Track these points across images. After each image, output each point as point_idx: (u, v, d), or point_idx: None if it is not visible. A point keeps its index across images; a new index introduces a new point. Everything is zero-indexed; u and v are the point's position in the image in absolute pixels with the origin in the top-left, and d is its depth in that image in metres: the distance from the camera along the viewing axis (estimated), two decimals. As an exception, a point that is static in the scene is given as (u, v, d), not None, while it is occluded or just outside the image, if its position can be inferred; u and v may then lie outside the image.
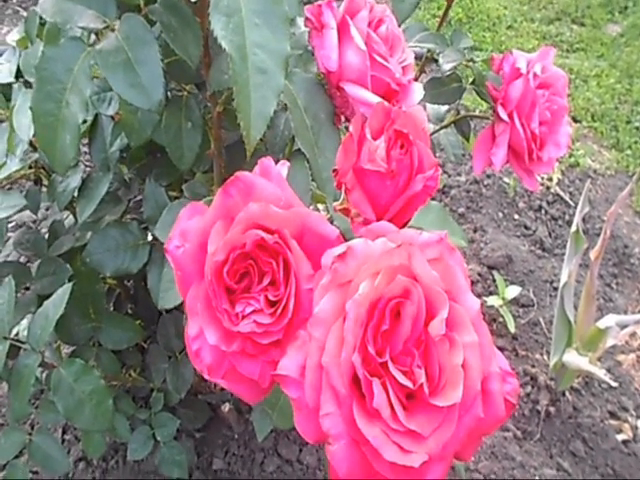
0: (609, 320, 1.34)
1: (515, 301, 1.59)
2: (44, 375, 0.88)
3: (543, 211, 1.86)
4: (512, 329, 1.50)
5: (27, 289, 0.90)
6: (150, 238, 0.82)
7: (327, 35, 0.60)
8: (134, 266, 0.81)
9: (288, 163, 0.46)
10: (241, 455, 1.20)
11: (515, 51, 0.81)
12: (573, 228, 1.37)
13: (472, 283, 1.59)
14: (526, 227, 1.82)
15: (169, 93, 0.70)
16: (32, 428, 0.95)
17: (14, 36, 0.86)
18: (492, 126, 0.82)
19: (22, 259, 1.01)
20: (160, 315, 0.97)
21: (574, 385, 1.42)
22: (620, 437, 1.34)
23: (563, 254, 1.51)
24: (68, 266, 0.86)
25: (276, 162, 0.46)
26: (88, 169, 0.87)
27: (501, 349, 1.45)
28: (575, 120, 2.22)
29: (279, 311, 0.41)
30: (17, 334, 0.86)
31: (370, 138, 0.48)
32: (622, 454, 1.31)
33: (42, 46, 0.65)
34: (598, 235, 1.60)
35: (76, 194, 0.82)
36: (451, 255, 0.40)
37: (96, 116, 0.81)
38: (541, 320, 1.57)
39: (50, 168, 0.86)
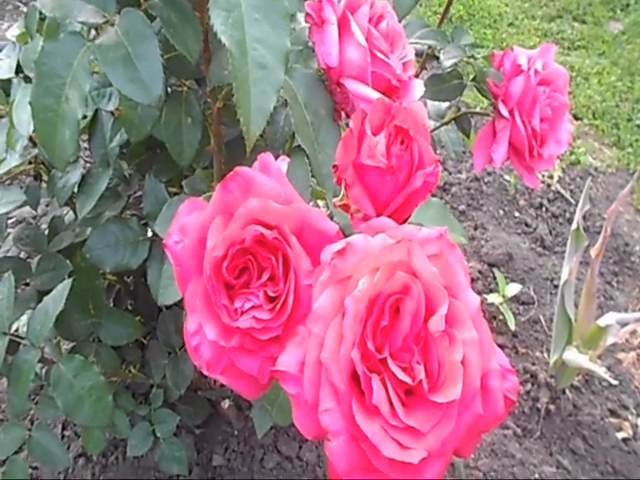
0: (609, 318, 1.34)
1: (515, 299, 1.59)
2: (44, 371, 0.88)
3: (544, 209, 1.86)
4: (512, 327, 1.50)
5: (27, 285, 0.90)
6: (150, 234, 0.82)
7: (327, 31, 0.59)
8: (134, 262, 0.81)
9: (288, 159, 0.46)
10: (241, 451, 1.20)
11: (516, 48, 0.81)
12: (574, 226, 1.36)
13: (472, 280, 1.59)
14: (527, 225, 1.82)
15: (169, 89, 0.70)
16: (32, 424, 0.95)
17: (14, 31, 0.85)
18: (493, 123, 0.81)
19: (22, 255, 1.01)
20: (160, 311, 0.97)
21: (574, 383, 1.42)
22: (620, 435, 1.34)
23: (564, 252, 1.51)
24: (68, 262, 0.86)
25: (276, 158, 0.46)
26: (88, 165, 0.87)
27: (501, 347, 1.45)
28: (576, 118, 2.22)
29: (278, 307, 0.41)
30: (17, 330, 0.86)
31: (370, 134, 0.47)
32: (622, 452, 1.31)
33: (42, 41, 0.65)
34: (599, 233, 1.60)
35: (76, 190, 0.82)
36: (451, 251, 0.40)
37: (96, 112, 0.81)
38: (541, 318, 1.57)
39: (50, 163, 0.86)
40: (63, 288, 0.73)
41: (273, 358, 0.39)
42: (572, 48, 2.59)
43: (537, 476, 1.25)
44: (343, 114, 0.65)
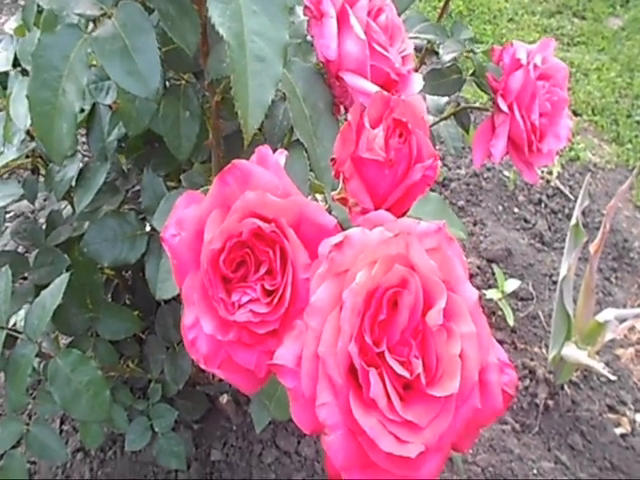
0: (608, 314, 1.34)
1: (514, 294, 1.59)
2: (42, 365, 0.88)
3: (543, 205, 1.86)
4: (511, 322, 1.50)
5: (24, 279, 0.90)
6: (148, 228, 0.82)
7: (326, 24, 0.59)
8: (132, 256, 0.81)
9: (286, 152, 0.46)
10: (239, 446, 1.20)
11: (515, 42, 0.81)
12: (573, 222, 1.36)
13: (471, 276, 1.59)
14: (526, 220, 1.81)
15: (167, 82, 0.70)
16: (30, 418, 0.95)
17: (12, 24, 0.85)
18: (492, 117, 0.81)
19: (20, 249, 1.00)
20: (158, 306, 0.97)
21: (573, 379, 1.42)
22: (618, 431, 1.34)
23: (562, 248, 1.51)
24: (66, 256, 0.86)
25: (274, 151, 0.45)
26: (86, 159, 0.86)
27: (500, 342, 1.44)
28: (575, 114, 2.21)
29: (275, 300, 0.41)
30: (15, 324, 0.86)
31: (369, 127, 0.47)
32: (620, 448, 1.31)
33: (39, 33, 0.64)
34: (598, 229, 1.59)
35: (74, 184, 0.82)
36: (449, 245, 0.40)
37: (94, 105, 0.80)
38: (540, 314, 1.57)
39: (47, 157, 0.86)
40: (61, 282, 0.73)
41: (270, 352, 0.39)
42: (572, 44, 2.59)
43: (535, 471, 1.25)
44: (342, 108, 0.65)
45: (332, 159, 0.49)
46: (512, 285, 1.55)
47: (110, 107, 0.79)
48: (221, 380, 1.08)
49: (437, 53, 0.87)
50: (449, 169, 1.93)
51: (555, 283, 1.59)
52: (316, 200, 0.59)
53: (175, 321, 0.95)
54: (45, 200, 1.20)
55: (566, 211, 1.84)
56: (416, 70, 0.84)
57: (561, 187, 1.91)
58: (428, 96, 0.95)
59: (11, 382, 0.73)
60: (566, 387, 1.40)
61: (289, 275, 0.40)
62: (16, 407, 0.76)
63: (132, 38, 0.53)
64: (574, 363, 1.34)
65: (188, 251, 0.43)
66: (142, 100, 0.67)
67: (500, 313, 1.53)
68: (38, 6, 0.78)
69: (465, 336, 0.37)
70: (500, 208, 1.84)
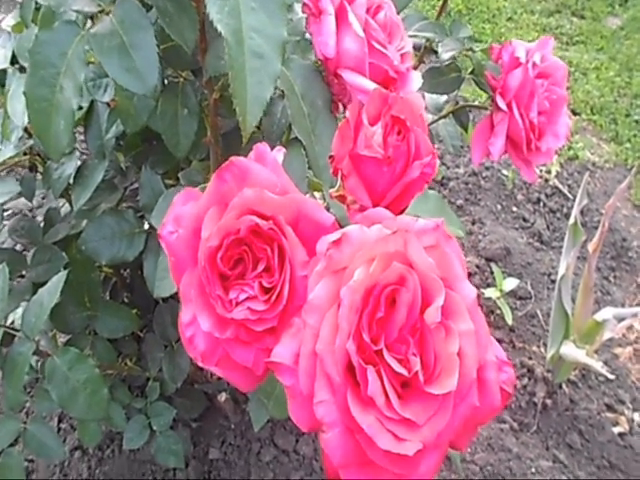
0: (606, 313, 1.34)
1: (513, 293, 1.59)
2: (39, 363, 0.88)
3: (541, 204, 1.86)
4: (509, 321, 1.50)
5: (22, 277, 0.89)
6: (146, 226, 0.82)
7: (325, 21, 0.59)
8: (130, 254, 0.81)
9: (283, 149, 0.45)
10: (237, 445, 1.20)
11: (514, 40, 0.81)
12: (571, 221, 1.36)
13: (470, 275, 1.59)
14: (524, 219, 1.81)
15: (165, 80, 0.69)
16: (27, 416, 0.95)
17: (10, 21, 0.85)
18: (490, 116, 0.81)
19: (17, 247, 1.00)
20: (156, 304, 0.97)
21: (571, 377, 1.42)
22: (616, 430, 1.34)
23: (561, 247, 1.51)
24: (63, 254, 0.86)
25: (272, 149, 0.45)
26: (84, 156, 0.86)
27: (498, 341, 1.44)
28: (574, 113, 2.21)
29: (273, 298, 0.40)
30: (12, 322, 0.86)
31: (367, 124, 0.47)
32: (618, 446, 1.31)
33: (36, 30, 0.64)
34: (596, 228, 1.59)
35: (71, 181, 0.82)
36: (448, 243, 0.40)
37: (92, 103, 0.80)
38: (538, 312, 1.57)
39: (45, 155, 0.86)
40: (58, 280, 0.73)
41: (268, 349, 0.39)
42: (570, 43, 2.59)
43: (533, 470, 1.25)
44: (340, 105, 0.64)
45: (330, 156, 0.49)
46: (511, 284, 1.55)
47: (108, 104, 0.79)
48: (219, 378, 1.07)
49: (436, 51, 0.87)
50: (448, 168, 1.93)
51: (553, 282, 1.59)
52: (314, 197, 0.59)
53: (173, 319, 0.95)
54: (43, 198, 1.20)
55: (565, 210, 1.84)
56: (415, 68, 0.84)
57: (560, 186, 1.91)
58: (427, 94, 0.95)
59: (8, 380, 0.73)
60: (564, 386, 1.40)
61: (287, 272, 0.40)
62: (13, 405, 0.76)
63: (130, 35, 0.53)
64: (572, 362, 1.34)
65: (186, 248, 0.42)
66: (140, 97, 0.67)
67: (499, 312, 1.53)
68: (36, 3, 0.78)
69: (463, 334, 0.37)
70: (499, 207, 1.84)
